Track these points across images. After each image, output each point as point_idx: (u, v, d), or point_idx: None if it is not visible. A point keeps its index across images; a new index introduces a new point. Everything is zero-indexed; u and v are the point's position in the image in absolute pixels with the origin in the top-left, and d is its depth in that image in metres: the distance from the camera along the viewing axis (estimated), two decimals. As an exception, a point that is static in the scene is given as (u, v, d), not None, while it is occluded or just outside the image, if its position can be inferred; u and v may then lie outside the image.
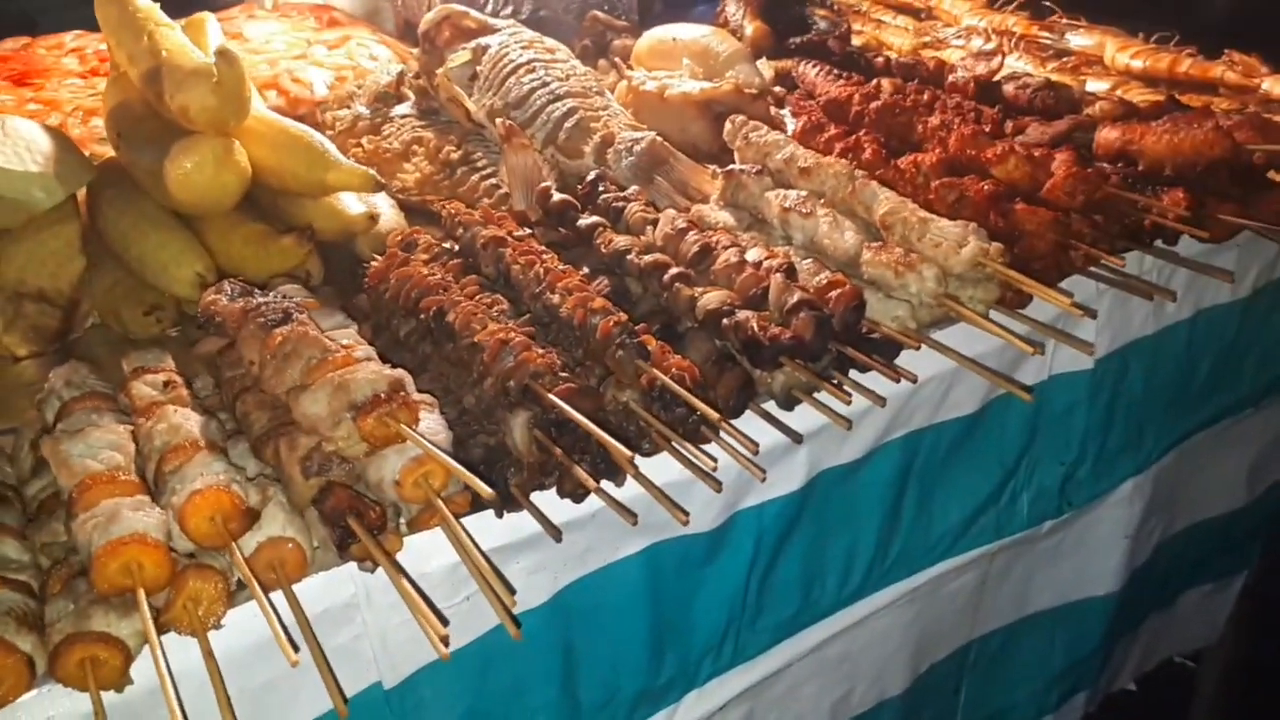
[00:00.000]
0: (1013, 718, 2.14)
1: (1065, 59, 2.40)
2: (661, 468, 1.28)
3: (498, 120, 1.91)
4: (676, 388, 1.19)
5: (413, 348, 1.40)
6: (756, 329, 1.31)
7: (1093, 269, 1.61)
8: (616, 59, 2.40)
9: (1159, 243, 1.69)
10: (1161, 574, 2.21)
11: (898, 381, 1.33)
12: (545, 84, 2.02)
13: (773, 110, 2.22)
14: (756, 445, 1.22)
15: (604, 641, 1.43)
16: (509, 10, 2.88)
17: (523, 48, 2.13)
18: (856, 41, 2.74)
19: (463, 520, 1.23)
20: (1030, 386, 1.51)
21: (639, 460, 1.30)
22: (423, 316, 1.33)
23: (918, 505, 1.68)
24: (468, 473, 1.01)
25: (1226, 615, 2.51)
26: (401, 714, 1.28)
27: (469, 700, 1.32)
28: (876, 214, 1.54)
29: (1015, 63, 2.46)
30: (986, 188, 1.54)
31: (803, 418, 1.39)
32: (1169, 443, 1.98)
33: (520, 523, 1.26)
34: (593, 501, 1.26)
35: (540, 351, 1.20)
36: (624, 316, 1.27)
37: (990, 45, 2.51)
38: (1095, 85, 2.26)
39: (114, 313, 1.66)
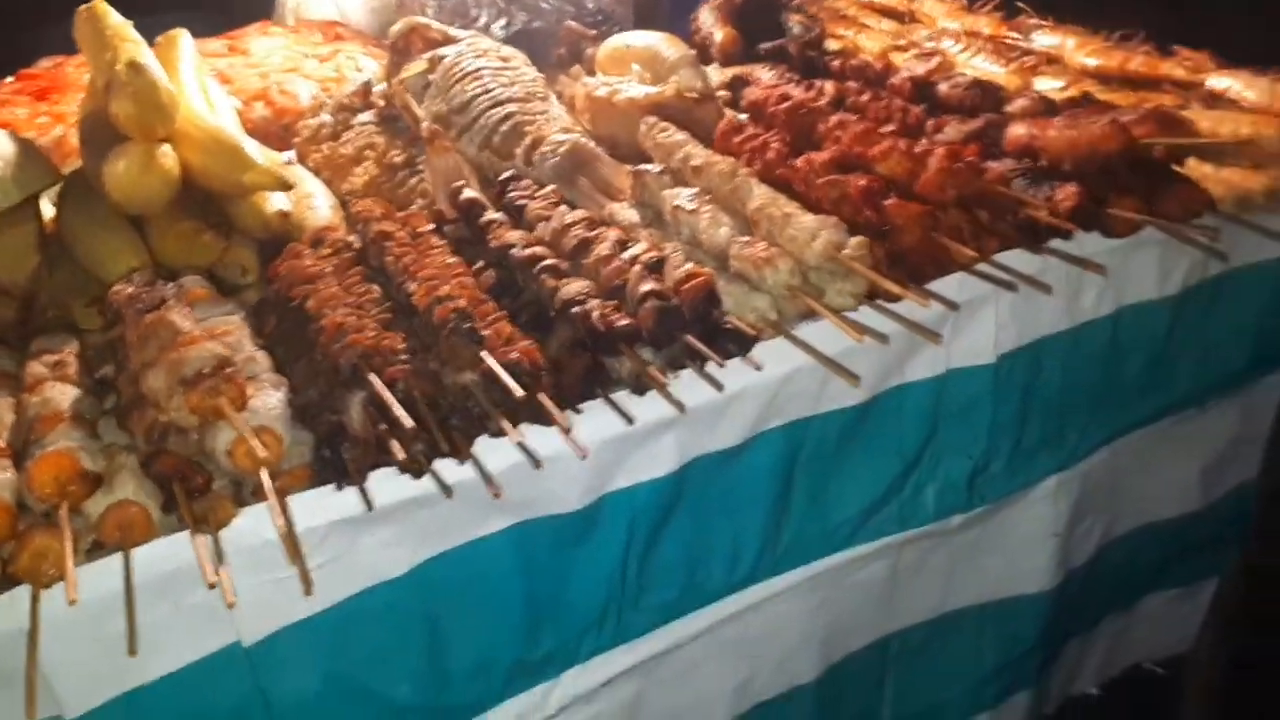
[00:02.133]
0: (946, 713, 2.14)
1: (1027, 58, 2.39)
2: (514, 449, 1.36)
3: (423, 124, 2.02)
4: (498, 369, 1.27)
5: (297, 333, 1.51)
6: (597, 317, 1.38)
7: (981, 265, 1.62)
8: (578, 66, 2.48)
9: (1057, 239, 1.69)
10: (1112, 576, 2.19)
11: (722, 367, 1.39)
12: (488, 90, 2.12)
13: (729, 113, 2.27)
14: (568, 425, 1.29)
15: (473, 615, 1.51)
16: (503, 22, 3.01)
17: (476, 56, 2.23)
18: (834, 46, 2.77)
19: (311, 493, 1.35)
20: (857, 375, 1.50)
21: (487, 440, 1.40)
22: (293, 304, 1.44)
23: (810, 493, 1.71)
24: (254, 439, 1.11)
25: (1199, 622, 2.45)
26: (261, 672, 1.37)
27: (329, 663, 1.41)
28: (749, 210, 1.59)
29: (982, 63, 2.46)
30: (861, 183, 1.58)
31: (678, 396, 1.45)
32: (1097, 440, 1.96)
33: (375, 497, 1.35)
34: (451, 477, 1.35)
35: (373, 334, 1.29)
36: (463, 303, 1.36)
37: (958, 46, 2.52)
38: (1050, 83, 2.25)
39: (64, 305, 1.81)
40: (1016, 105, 1.92)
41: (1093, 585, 2.17)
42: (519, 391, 1.22)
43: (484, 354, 1.29)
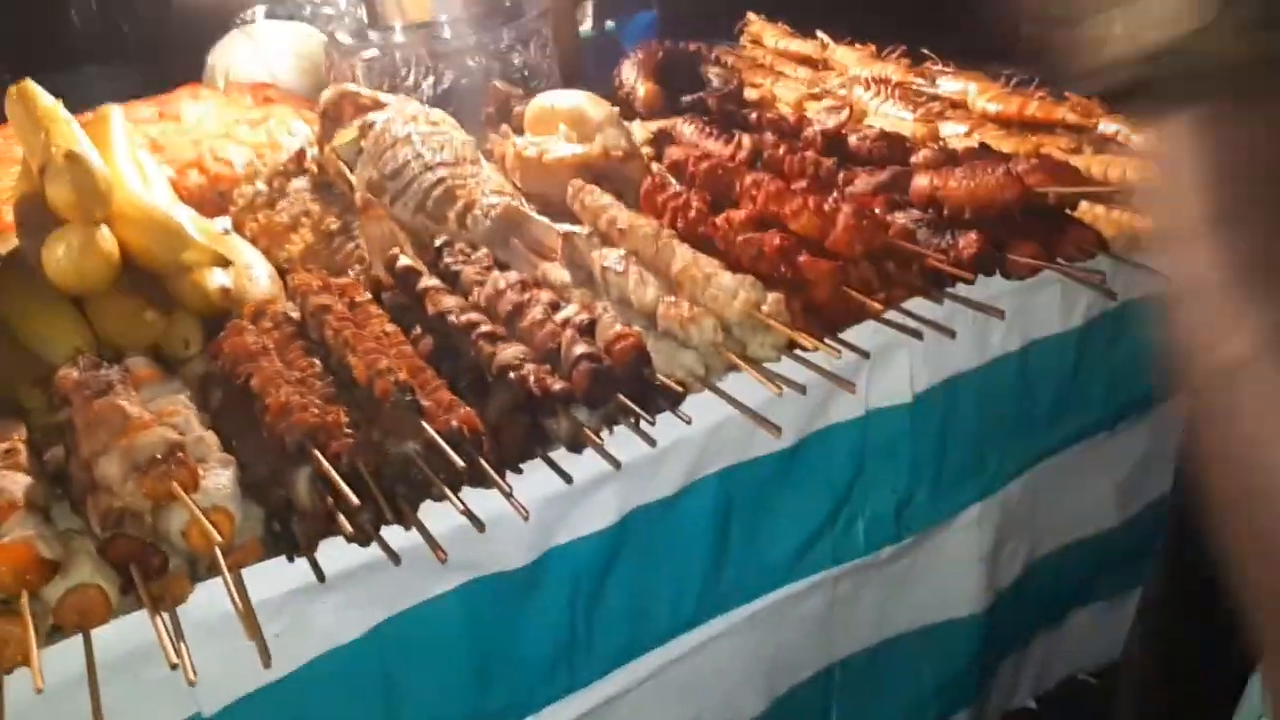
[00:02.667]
0: (889, 737, 2.23)
1: (933, 104, 2.52)
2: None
3: (357, 193, 2.08)
4: (439, 441, 1.33)
5: (243, 408, 1.56)
6: (533, 381, 1.45)
7: (890, 314, 1.72)
8: (506, 126, 2.56)
9: (962, 285, 1.80)
10: (1039, 594, 2.30)
11: (653, 424, 1.47)
12: (419, 155, 2.19)
13: (655, 168, 2.37)
14: (508, 488, 1.36)
15: (427, 672, 1.56)
16: (430, 81, 3.07)
17: (405, 122, 2.30)
18: (753, 94, 2.88)
19: (265, 565, 1.40)
20: (779, 426, 1.59)
21: (432, 505, 1.46)
22: (237, 382, 1.49)
23: (747, 535, 1.79)
24: (204, 519, 1.16)
25: (1126, 632, 2.57)
26: (224, 741, 1.42)
27: (291, 728, 1.46)
28: (673, 271, 1.68)
29: (891, 109, 2.59)
30: (776, 242, 1.68)
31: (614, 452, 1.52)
32: (1015, 468, 2.08)
33: (326, 565, 1.41)
34: (399, 542, 1.41)
35: (317, 411, 1.35)
36: (403, 375, 1.42)
37: (869, 93, 2.64)
38: (954, 128, 2.38)
39: (10, 386, 1.84)
40: (920, 156, 2.03)
41: (1022, 604, 2.27)
42: (460, 463, 1.28)
43: (425, 424, 1.35)
